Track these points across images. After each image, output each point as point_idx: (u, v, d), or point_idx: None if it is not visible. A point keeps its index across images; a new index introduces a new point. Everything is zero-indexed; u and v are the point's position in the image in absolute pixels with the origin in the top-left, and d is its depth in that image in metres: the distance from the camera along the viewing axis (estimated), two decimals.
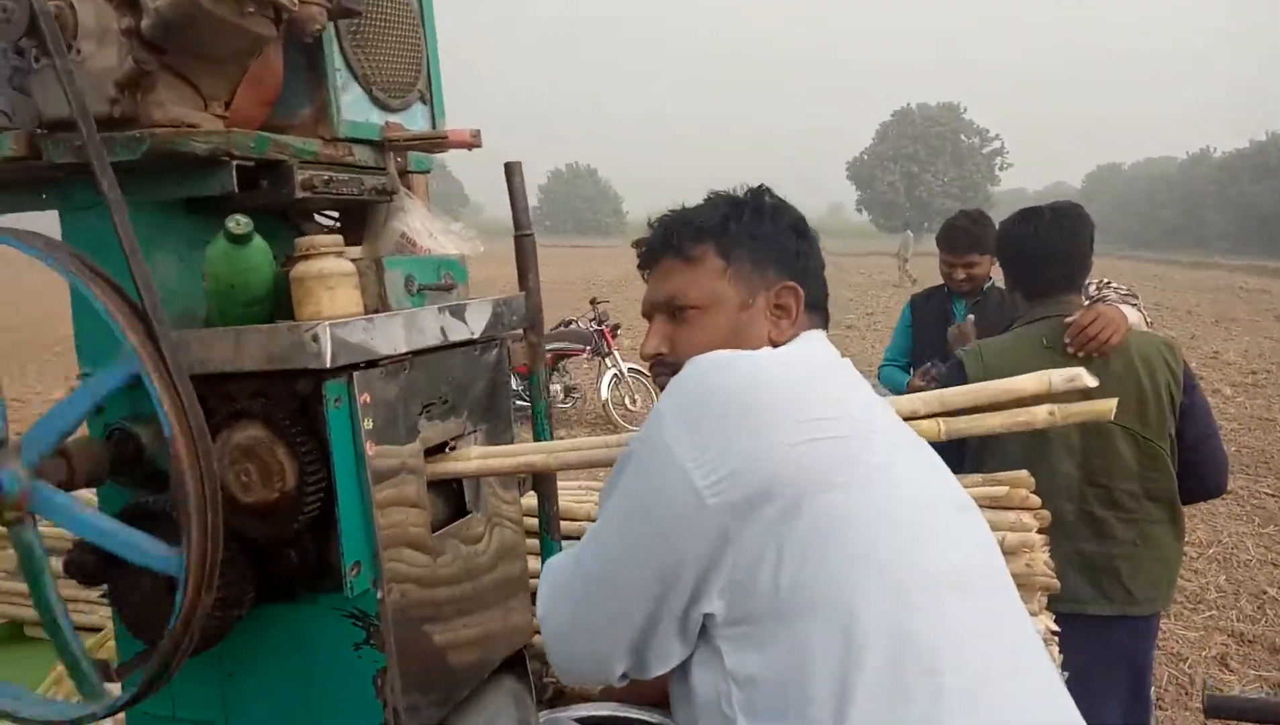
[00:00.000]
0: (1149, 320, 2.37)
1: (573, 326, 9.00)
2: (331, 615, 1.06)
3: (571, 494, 1.80)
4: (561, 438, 1.45)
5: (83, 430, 1.04)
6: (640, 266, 1.22)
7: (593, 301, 9.00)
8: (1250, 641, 4.07)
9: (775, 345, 1.11)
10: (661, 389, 1.06)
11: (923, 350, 3.23)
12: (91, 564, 1.02)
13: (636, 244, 1.24)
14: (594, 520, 1.07)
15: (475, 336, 1.24)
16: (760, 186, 1.21)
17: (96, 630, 1.73)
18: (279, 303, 1.06)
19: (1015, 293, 2.31)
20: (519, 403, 5.42)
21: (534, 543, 1.51)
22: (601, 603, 0.99)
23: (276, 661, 1.10)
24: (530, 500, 1.53)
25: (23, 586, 1.77)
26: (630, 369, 8.34)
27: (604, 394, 8.24)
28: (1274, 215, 47.90)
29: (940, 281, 3.36)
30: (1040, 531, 1.50)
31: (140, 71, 0.98)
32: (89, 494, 1.12)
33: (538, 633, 1.12)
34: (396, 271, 1.13)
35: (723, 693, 0.91)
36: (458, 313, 1.20)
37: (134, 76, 0.98)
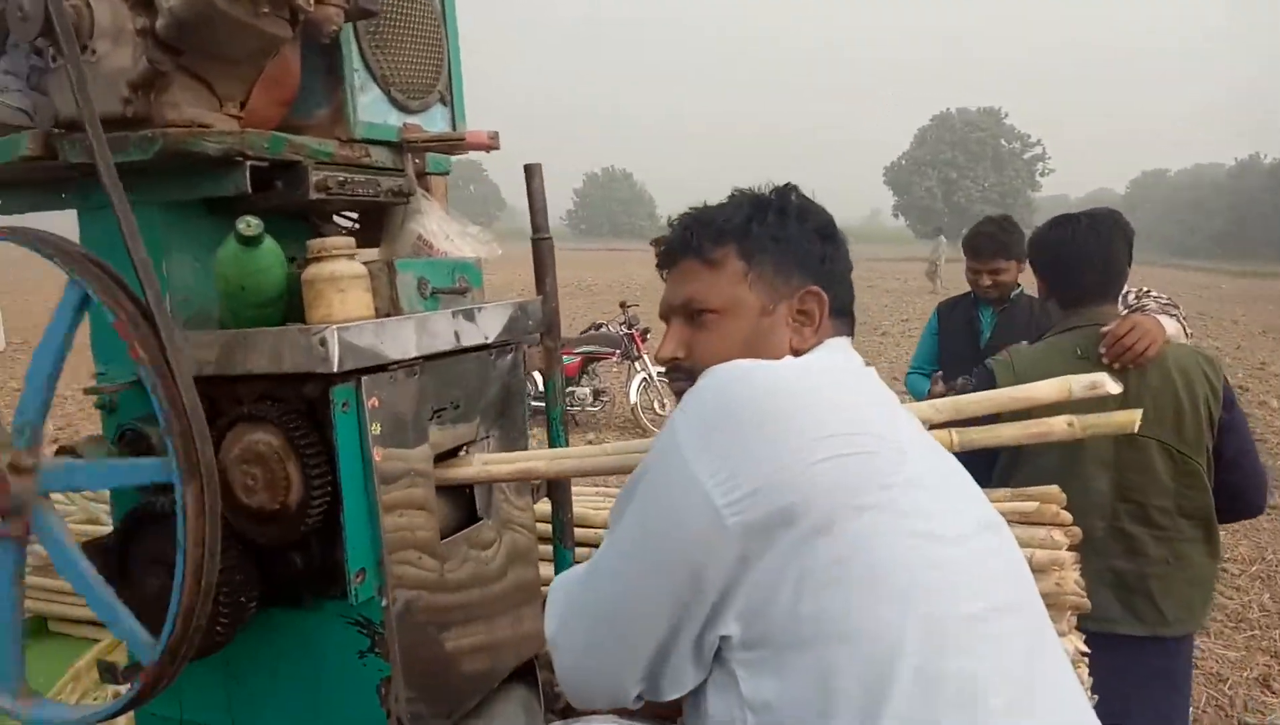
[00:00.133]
0: (1189, 332, 2.30)
1: (603, 330, 8.98)
2: (337, 622, 1.05)
3: (587, 500, 1.78)
4: (589, 441, 1.43)
5: (95, 429, 1.04)
6: (659, 266, 1.18)
7: (623, 305, 8.97)
8: None
9: (797, 353, 1.07)
10: (677, 396, 1.03)
11: (948, 358, 3.20)
12: (101, 566, 1.02)
13: (655, 242, 1.19)
14: (608, 528, 1.04)
15: (489, 341, 1.22)
16: (786, 185, 1.16)
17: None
18: (293, 305, 1.06)
19: (1050, 301, 2.25)
20: (535, 405, 5.42)
21: (547, 548, 1.49)
22: (615, 627, 0.96)
23: (283, 666, 1.10)
24: (544, 507, 1.51)
25: (47, 581, 1.79)
26: (659, 373, 8.31)
27: (633, 398, 8.21)
28: None
29: (968, 289, 3.30)
30: (1071, 548, 1.46)
31: (154, 71, 0.98)
32: (100, 504, 1.12)
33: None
34: (409, 274, 1.12)
35: (738, 718, 0.88)
36: (471, 316, 1.19)
37: (148, 76, 0.98)
